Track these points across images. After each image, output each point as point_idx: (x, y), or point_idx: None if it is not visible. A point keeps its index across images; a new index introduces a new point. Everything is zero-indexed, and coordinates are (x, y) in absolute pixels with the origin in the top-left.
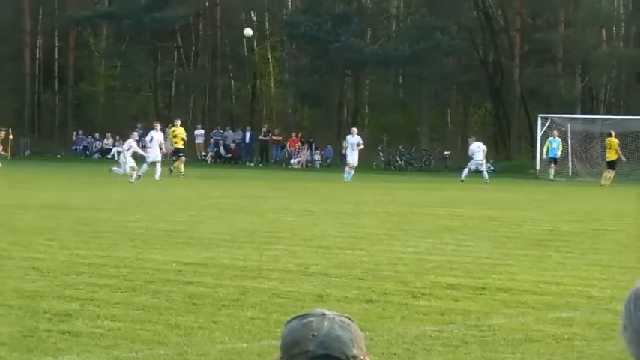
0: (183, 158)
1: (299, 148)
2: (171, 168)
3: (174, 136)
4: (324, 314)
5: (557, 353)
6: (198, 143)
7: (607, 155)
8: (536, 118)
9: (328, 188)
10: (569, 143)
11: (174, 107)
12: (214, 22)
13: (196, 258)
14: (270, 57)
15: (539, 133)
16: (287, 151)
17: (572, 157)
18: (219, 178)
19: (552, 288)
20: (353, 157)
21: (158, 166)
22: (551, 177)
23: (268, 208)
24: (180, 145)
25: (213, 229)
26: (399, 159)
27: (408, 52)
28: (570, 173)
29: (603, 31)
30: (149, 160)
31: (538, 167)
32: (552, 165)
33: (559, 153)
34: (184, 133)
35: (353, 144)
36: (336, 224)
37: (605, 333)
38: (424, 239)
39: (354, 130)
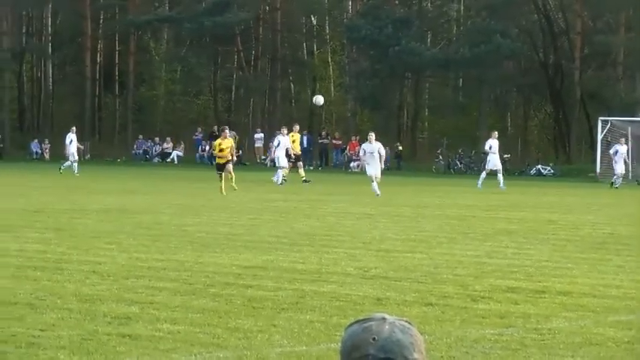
0: (300, 163)
1: (359, 152)
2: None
3: (293, 142)
4: (384, 318)
5: (616, 357)
6: (257, 147)
7: None
8: (597, 121)
9: (387, 192)
10: (629, 146)
11: (234, 111)
12: (274, 26)
13: (255, 261)
14: (330, 61)
15: (600, 136)
16: (347, 154)
17: (632, 160)
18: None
19: (612, 291)
20: (374, 167)
21: (279, 171)
22: None
23: (328, 211)
24: (298, 151)
25: (273, 232)
26: (458, 162)
27: (468, 55)
28: (630, 176)
29: None
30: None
31: (598, 170)
32: None
33: None
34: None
35: (372, 152)
36: (396, 227)
37: None
38: (483, 242)
39: (372, 135)
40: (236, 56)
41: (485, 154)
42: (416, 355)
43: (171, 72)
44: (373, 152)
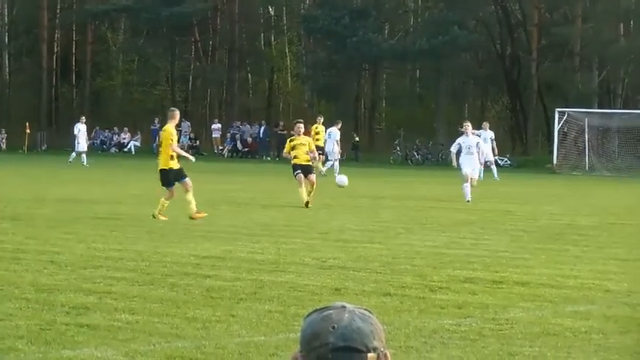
0: (323, 157)
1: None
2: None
3: (317, 133)
4: (343, 307)
5: (574, 347)
6: (215, 137)
7: None
8: (554, 112)
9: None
10: (586, 137)
11: (192, 101)
12: (232, 17)
13: (214, 251)
14: (287, 51)
15: (557, 128)
16: None
17: (589, 152)
18: (237, 171)
19: (570, 282)
20: (470, 165)
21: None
22: None
23: (286, 202)
24: (321, 144)
25: (231, 222)
26: (415, 153)
27: (426, 47)
28: (587, 167)
29: (621, 25)
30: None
31: (555, 161)
32: None
33: None
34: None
35: (470, 147)
36: (354, 218)
37: (622, 326)
38: (442, 233)
39: (468, 126)
40: (193, 47)
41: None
42: (376, 343)
43: (128, 62)
44: (471, 147)
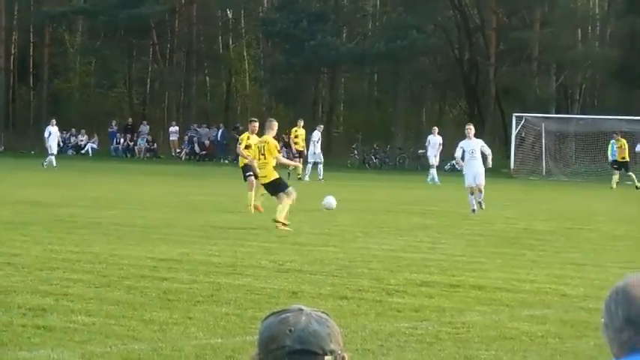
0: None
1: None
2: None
3: (296, 137)
4: (301, 310)
5: (531, 351)
6: (172, 140)
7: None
8: (511, 117)
9: (302, 185)
10: (543, 142)
11: (149, 104)
12: (190, 19)
13: (171, 254)
14: (245, 54)
15: (514, 132)
16: None
17: (546, 157)
18: (194, 174)
19: (526, 286)
20: (473, 172)
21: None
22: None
23: (243, 205)
24: (299, 147)
25: (188, 225)
26: (373, 157)
27: (384, 51)
28: (544, 172)
29: (579, 30)
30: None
31: (512, 166)
32: (616, 171)
33: (627, 154)
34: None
35: (474, 151)
36: (311, 221)
37: (578, 331)
38: (398, 237)
39: (471, 129)
40: (151, 49)
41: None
42: (332, 346)
43: (85, 64)
44: (474, 151)
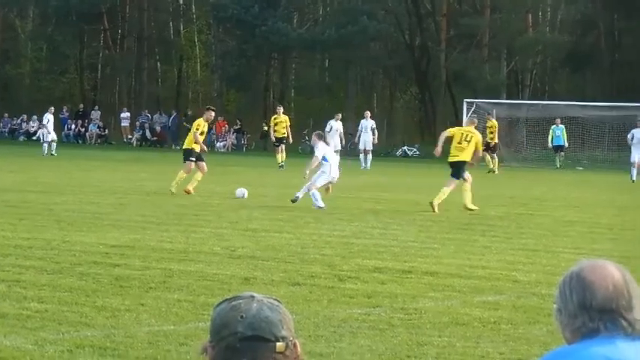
0: (283, 147)
1: (225, 132)
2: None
3: (276, 124)
4: (252, 296)
5: (483, 337)
6: (124, 126)
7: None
8: (462, 102)
9: (255, 172)
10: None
11: (101, 90)
12: (141, 5)
13: (123, 240)
14: (196, 40)
15: (465, 118)
16: (213, 134)
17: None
18: (146, 160)
19: (478, 272)
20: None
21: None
22: (559, 164)
23: (196, 191)
24: (279, 134)
25: (140, 211)
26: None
27: (335, 36)
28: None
29: (529, 16)
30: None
31: None
32: (558, 153)
33: (565, 141)
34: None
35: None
36: (263, 207)
37: (530, 317)
38: (350, 223)
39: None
40: (102, 35)
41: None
42: (284, 332)
43: (37, 50)
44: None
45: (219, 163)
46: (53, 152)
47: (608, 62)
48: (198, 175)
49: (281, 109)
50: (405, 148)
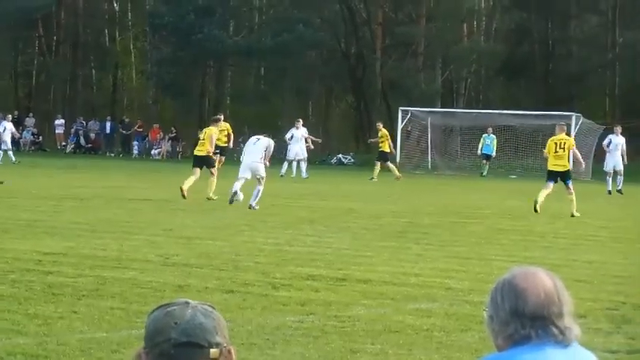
0: (222, 158)
1: (160, 139)
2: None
3: (221, 131)
4: (187, 303)
5: (416, 344)
6: (58, 133)
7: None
8: (397, 111)
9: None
10: (429, 136)
11: (35, 97)
12: (76, 12)
13: (56, 248)
14: (132, 47)
15: (400, 126)
16: (148, 141)
17: (431, 151)
18: (80, 168)
19: (411, 280)
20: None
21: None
22: (485, 173)
23: (129, 198)
24: (221, 142)
25: (74, 219)
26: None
27: (271, 44)
28: (430, 166)
29: (464, 25)
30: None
31: (398, 160)
32: (485, 161)
33: (494, 150)
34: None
35: (618, 144)
36: (197, 215)
37: (463, 324)
38: (284, 230)
39: (618, 127)
40: (37, 41)
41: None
42: (218, 339)
43: None
44: (618, 144)
45: (154, 170)
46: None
47: (542, 71)
48: (192, 180)
49: (221, 117)
50: (341, 156)
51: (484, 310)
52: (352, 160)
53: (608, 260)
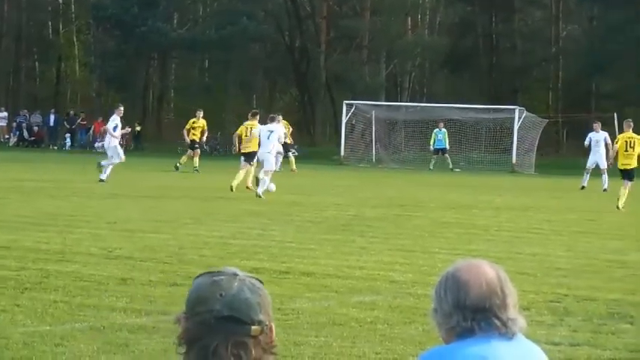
0: (198, 151)
1: (104, 132)
2: (179, 163)
3: (193, 128)
4: (235, 274)
5: (360, 336)
6: (1, 126)
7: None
8: (341, 104)
9: (133, 172)
10: (373, 130)
11: None
12: (19, 5)
13: None
14: (75, 40)
15: (344, 120)
16: (92, 134)
17: (376, 144)
18: (23, 161)
19: (356, 272)
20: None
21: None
22: (431, 167)
23: (73, 191)
24: (196, 138)
25: (17, 212)
26: (204, 144)
27: (215, 37)
28: (374, 159)
29: (409, 19)
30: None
31: (342, 153)
32: (435, 155)
33: (447, 144)
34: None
35: (598, 141)
36: (141, 208)
37: (407, 317)
38: (229, 224)
39: (598, 124)
40: None
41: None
42: (261, 317)
43: None
44: (599, 141)
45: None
46: None
47: (486, 65)
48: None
49: (200, 113)
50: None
51: (431, 302)
52: (296, 153)
53: (551, 253)
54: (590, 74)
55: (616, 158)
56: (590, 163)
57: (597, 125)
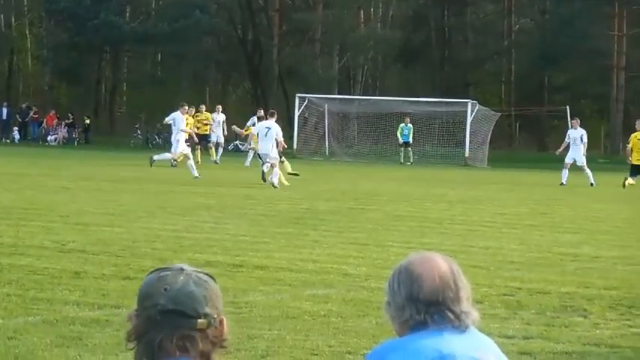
0: (210, 144)
1: (56, 126)
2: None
3: (199, 121)
4: (181, 269)
5: (313, 330)
6: None
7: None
8: (294, 97)
9: (85, 165)
10: (326, 123)
11: None
12: None
13: None
14: (27, 33)
15: (297, 113)
16: (44, 127)
17: (329, 137)
18: None
19: (309, 266)
20: (576, 154)
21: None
22: (403, 160)
23: (26, 184)
24: (207, 131)
25: None
26: (157, 137)
27: (168, 30)
28: (327, 153)
29: (361, 12)
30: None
31: (295, 146)
32: (403, 148)
33: (411, 138)
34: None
35: (576, 138)
36: (94, 201)
37: (360, 310)
38: (182, 217)
39: (577, 121)
40: None
41: None
42: (207, 310)
43: None
44: (576, 138)
45: (52, 157)
46: None
47: (438, 58)
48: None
49: (203, 107)
50: (237, 142)
51: (384, 296)
52: (250, 147)
53: (504, 246)
54: (542, 67)
55: (631, 154)
56: (568, 159)
57: (576, 122)
